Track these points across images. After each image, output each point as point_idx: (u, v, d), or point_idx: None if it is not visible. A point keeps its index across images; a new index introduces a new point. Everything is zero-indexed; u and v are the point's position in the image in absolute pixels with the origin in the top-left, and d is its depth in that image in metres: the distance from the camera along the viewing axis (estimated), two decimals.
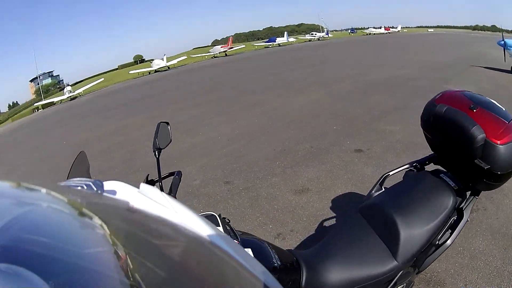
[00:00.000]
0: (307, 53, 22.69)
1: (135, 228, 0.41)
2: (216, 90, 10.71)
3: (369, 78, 8.97)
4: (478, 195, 1.14)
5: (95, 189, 0.50)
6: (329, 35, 43.29)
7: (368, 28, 63.00)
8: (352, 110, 5.74)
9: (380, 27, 61.68)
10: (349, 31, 68.52)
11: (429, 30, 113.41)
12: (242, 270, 0.44)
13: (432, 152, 1.37)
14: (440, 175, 1.20)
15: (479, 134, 0.97)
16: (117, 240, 0.35)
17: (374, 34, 52.62)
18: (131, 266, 0.32)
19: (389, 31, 58.86)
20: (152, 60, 34.15)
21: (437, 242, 1.08)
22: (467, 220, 1.11)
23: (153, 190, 0.54)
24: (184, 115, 7.23)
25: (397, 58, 14.09)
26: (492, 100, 1.10)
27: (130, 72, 32.13)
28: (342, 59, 15.58)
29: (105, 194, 0.50)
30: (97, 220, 0.39)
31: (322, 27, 51.68)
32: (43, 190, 0.46)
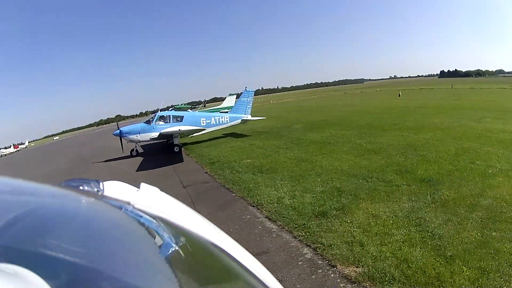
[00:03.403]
0: None
1: (135, 227, 0.41)
2: None
3: None
4: None
5: (95, 189, 0.50)
6: None
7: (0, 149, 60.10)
8: None
9: (10, 146, 59.19)
10: None
11: (54, 138, 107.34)
12: (242, 269, 0.43)
13: None
14: None
15: None
16: (118, 240, 0.35)
17: (5, 155, 48.28)
18: (132, 266, 0.31)
19: (18, 149, 57.55)
20: None
21: None
22: None
23: (154, 190, 0.53)
24: None
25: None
26: None
27: None
28: None
29: (105, 194, 0.50)
30: (97, 220, 0.39)
31: None
32: (44, 190, 0.46)
